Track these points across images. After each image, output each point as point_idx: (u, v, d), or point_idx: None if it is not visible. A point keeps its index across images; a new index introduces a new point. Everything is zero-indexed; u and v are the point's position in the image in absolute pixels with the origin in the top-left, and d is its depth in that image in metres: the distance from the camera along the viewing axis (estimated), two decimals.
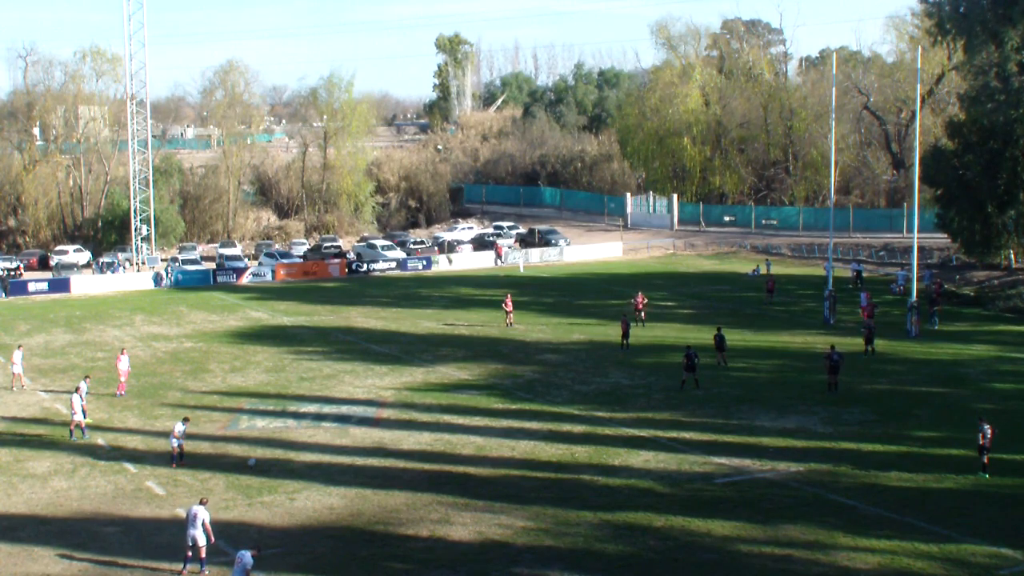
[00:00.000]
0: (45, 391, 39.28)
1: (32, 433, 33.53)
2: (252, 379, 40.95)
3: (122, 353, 39.48)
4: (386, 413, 35.50)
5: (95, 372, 42.01)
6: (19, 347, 41.94)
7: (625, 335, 45.55)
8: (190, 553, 22.48)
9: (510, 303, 51.48)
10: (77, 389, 33.37)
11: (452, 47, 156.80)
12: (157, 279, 68.78)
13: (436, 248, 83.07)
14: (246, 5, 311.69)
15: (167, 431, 33.26)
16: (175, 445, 29.85)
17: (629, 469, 29.05)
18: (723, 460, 29.67)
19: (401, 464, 29.79)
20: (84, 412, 32.83)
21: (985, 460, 27.87)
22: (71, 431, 32.74)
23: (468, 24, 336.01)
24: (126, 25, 73.49)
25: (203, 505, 22.94)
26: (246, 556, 20.79)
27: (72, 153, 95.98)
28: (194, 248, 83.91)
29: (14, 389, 39.43)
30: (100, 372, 42.11)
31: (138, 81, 75.29)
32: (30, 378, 41.30)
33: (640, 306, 50.74)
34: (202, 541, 22.44)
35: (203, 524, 22.55)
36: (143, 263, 75.25)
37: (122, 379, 38.47)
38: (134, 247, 75.63)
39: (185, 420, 30.50)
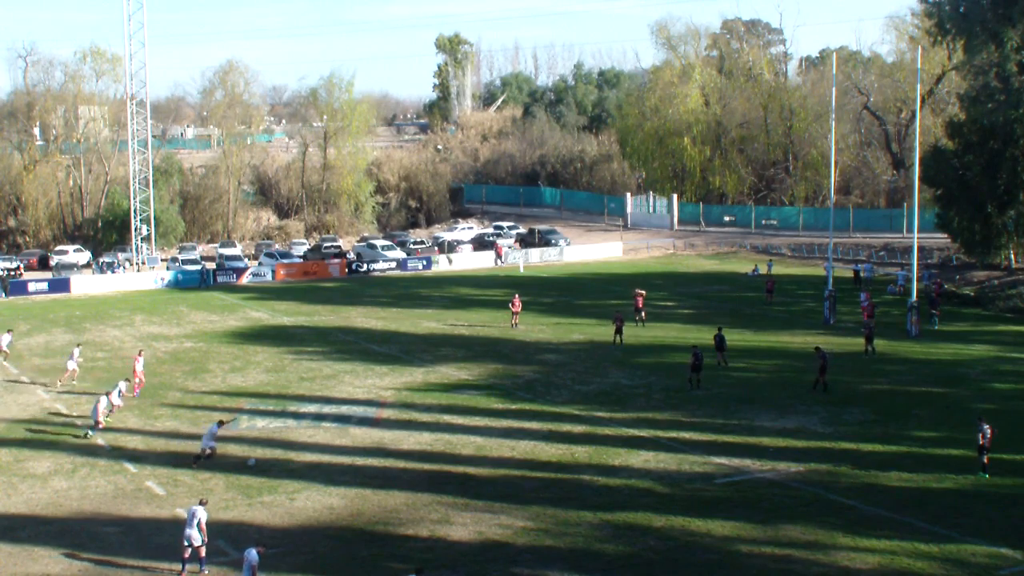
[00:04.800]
0: (45, 391, 39.26)
1: (32, 433, 33.52)
2: (252, 379, 40.94)
3: (139, 355, 39.48)
4: (386, 413, 35.50)
5: (95, 372, 42.06)
6: (78, 345, 42.82)
7: (618, 331, 45.69)
8: (188, 553, 22.47)
9: (518, 304, 51.44)
10: (108, 393, 34.49)
11: (452, 47, 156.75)
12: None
13: (436, 248, 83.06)
14: (246, 5, 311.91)
15: (167, 431, 33.37)
16: (208, 447, 29.82)
17: (629, 469, 29.05)
18: (723, 460, 29.68)
19: (401, 464, 29.79)
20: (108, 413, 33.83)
21: (985, 460, 27.87)
22: (89, 429, 33.08)
23: (468, 24, 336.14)
24: (126, 25, 73.57)
25: (203, 505, 22.96)
26: (252, 553, 20.86)
27: (72, 153, 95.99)
28: (194, 248, 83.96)
29: (58, 384, 39.77)
30: (99, 372, 42.13)
31: (138, 81, 75.36)
32: (29, 378, 41.31)
33: (640, 304, 50.71)
34: (198, 541, 22.41)
35: (199, 524, 22.50)
36: (143, 263, 75.28)
37: (137, 380, 38.36)
38: (134, 247, 75.64)
39: (220, 423, 30.75)
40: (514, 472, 28.91)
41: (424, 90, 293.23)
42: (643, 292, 52.14)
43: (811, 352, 43.37)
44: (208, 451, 29.92)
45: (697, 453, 30.30)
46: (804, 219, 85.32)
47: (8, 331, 46.37)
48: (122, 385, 35.78)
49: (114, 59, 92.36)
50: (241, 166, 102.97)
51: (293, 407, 36.35)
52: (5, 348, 44.71)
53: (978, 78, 60.56)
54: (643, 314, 50.51)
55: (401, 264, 75.31)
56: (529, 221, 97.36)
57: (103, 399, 34.10)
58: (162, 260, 78.46)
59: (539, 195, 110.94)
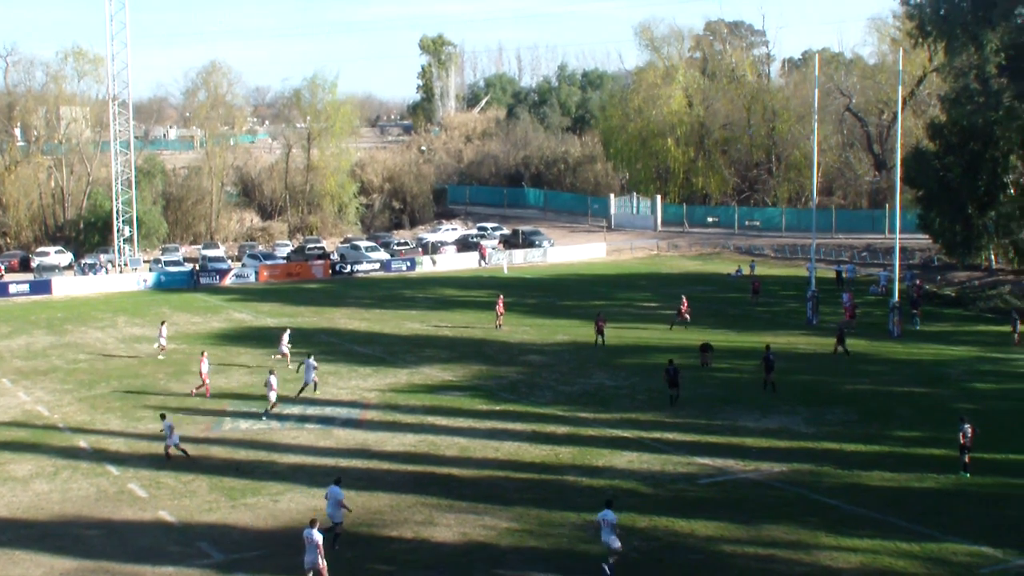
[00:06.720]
0: (26, 393, 39.02)
1: (13, 436, 33.30)
2: (235, 380, 40.79)
3: (203, 356, 39.28)
4: (370, 414, 35.44)
5: (77, 374, 41.86)
6: (287, 330, 44.69)
7: (600, 332, 45.85)
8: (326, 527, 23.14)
9: (502, 306, 51.41)
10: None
11: (436, 48, 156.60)
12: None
13: (420, 249, 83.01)
14: (229, 5, 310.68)
15: (150, 433, 33.23)
16: (172, 443, 29.96)
17: (613, 470, 29.09)
18: (707, 460, 29.76)
19: (385, 465, 29.75)
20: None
21: (966, 459, 28.03)
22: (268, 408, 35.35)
23: (452, 25, 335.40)
24: (108, 25, 73.26)
25: (338, 484, 23.99)
26: (313, 533, 21.20)
27: (54, 154, 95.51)
28: (177, 249, 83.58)
29: (276, 358, 42.60)
30: (81, 374, 41.94)
31: (120, 82, 75.09)
32: (10, 380, 41.04)
33: (684, 309, 50.60)
34: (339, 519, 23.57)
35: (339, 502, 23.56)
36: (126, 265, 74.92)
37: (205, 382, 38.07)
38: (116, 248, 75.28)
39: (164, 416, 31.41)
40: (498, 473, 28.92)
41: (408, 91, 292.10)
42: (688, 305, 51.53)
43: (797, 352, 43.73)
44: (172, 447, 30.12)
45: (681, 454, 30.37)
46: (787, 220, 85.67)
47: (287, 330, 44.82)
48: (279, 354, 37.57)
49: (96, 59, 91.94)
50: (224, 167, 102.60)
51: (276, 408, 36.21)
52: (285, 349, 43.22)
53: (958, 80, 60.95)
54: (688, 316, 50.32)
55: (385, 265, 75.20)
56: (513, 222, 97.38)
57: (273, 380, 35.54)
58: (145, 261, 78.10)
59: (523, 196, 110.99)
